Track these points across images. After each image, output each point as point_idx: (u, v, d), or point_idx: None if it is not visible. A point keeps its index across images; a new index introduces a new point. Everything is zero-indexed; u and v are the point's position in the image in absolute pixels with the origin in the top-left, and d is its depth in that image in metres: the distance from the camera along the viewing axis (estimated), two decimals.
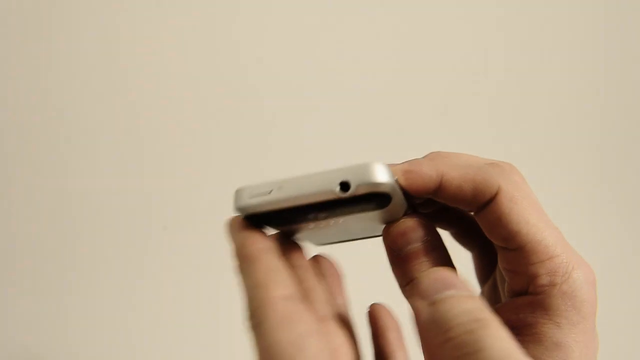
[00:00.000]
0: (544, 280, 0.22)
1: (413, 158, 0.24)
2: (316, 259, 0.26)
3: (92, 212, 0.60)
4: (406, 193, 0.23)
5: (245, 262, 0.21)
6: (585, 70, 0.73)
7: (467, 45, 0.69)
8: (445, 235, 0.25)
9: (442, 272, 0.20)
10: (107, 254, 0.60)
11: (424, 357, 0.19)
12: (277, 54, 0.64)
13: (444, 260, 0.22)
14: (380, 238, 0.24)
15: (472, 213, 0.23)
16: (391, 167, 0.22)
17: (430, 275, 0.20)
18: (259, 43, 0.63)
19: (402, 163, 0.23)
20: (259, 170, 0.63)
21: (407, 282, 0.21)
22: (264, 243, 0.22)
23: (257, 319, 0.19)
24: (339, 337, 0.21)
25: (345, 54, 0.65)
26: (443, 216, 0.27)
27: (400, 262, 0.22)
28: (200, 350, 0.59)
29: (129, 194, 0.60)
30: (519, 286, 0.23)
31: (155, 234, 0.61)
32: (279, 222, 0.24)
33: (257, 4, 0.63)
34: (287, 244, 0.25)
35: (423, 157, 0.24)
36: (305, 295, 0.22)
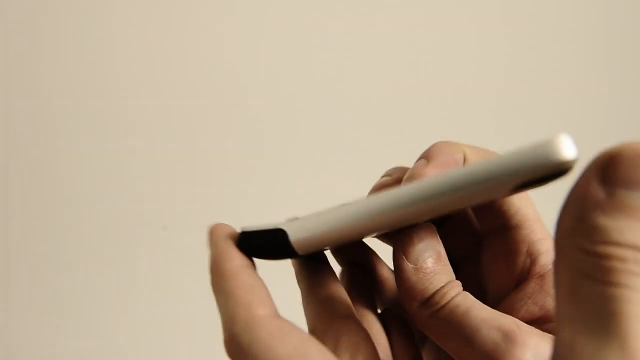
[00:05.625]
0: (549, 257, 0.21)
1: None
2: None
3: (90, 212, 0.60)
4: None
5: (221, 279, 0.20)
6: (586, 71, 0.73)
7: (467, 46, 0.69)
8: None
9: None
10: (106, 254, 0.60)
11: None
12: (273, 55, 0.64)
13: None
14: None
15: None
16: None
17: None
18: (256, 44, 0.63)
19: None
20: (258, 171, 0.63)
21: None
22: (243, 260, 0.21)
23: (243, 342, 0.18)
24: (351, 336, 0.21)
25: (344, 56, 0.65)
26: None
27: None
28: (200, 351, 0.59)
29: (128, 193, 0.60)
30: (513, 276, 0.22)
31: (155, 234, 0.61)
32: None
33: (250, 6, 0.63)
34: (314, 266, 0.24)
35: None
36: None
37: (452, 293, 0.20)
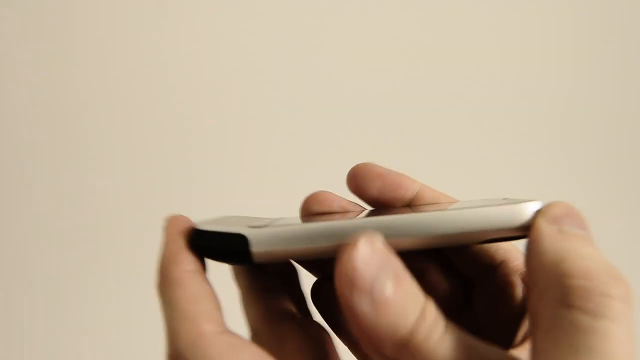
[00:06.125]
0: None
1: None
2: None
3: (90, 211, 0.60)
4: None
5: (169, 286, 0.18)
6: (583, 72, 0.73)
7: (467, 46, 0.69)
8: None
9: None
10: (105, 254, 0.60)
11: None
12: (270, 55, 0.64)
13: None
14: None
15: None
16: None
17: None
18: (256, 42, 0.63)
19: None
20: (259, 170, 0.63)
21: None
22: (193, 264, 0.19)
23: (191, 358, 0.16)
24: (297, 339, 0.20)
25: (346, 55, 0.65)
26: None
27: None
28: None
29: (127, 193, 0.60)
30: (516, 308, 0.22)
31: (155, 234, 0.61)
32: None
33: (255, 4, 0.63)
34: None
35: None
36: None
37: (439, 329, 0.16)
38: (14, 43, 0.58)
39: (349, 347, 0.23)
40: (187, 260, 0.19)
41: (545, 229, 0.17)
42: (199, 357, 0.16)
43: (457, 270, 0.24)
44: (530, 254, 0.17)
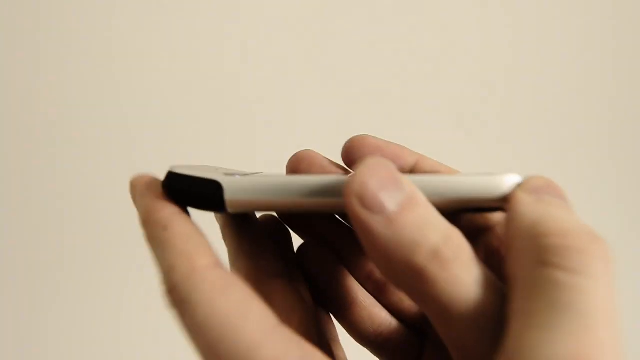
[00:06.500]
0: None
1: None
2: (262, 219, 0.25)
3: (91, 212, 0.60)
4: None
5: (156, 229, 0.18)
6: (593, 70, 0.73)
7: (473, 46, 0.69)
8: None
9: None
10: (105, 255, 0.60)
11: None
12: (272, 51, 0.63)
13: None
14: None
15: None
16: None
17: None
18: (252, 39, 0.63)
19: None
20: (258, 167, 0.63)
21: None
22: (174, 207, 0.19)
23: (183, 294, 0.16)
24: (286, 298, 0.20)
25: (348, 56, 0.65)
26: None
27: None
28: None
29: (127, 193, 0.60)
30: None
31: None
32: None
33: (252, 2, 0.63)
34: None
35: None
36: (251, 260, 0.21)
37: (464, 256, 0.16)
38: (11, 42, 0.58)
39: (332, 313, 0.23)
40: (168, 205, 0.19)
41: (523, 197, 0.17)
42: (191, 290, 0.16)
43: None
44: (508, 221, 0.17)
